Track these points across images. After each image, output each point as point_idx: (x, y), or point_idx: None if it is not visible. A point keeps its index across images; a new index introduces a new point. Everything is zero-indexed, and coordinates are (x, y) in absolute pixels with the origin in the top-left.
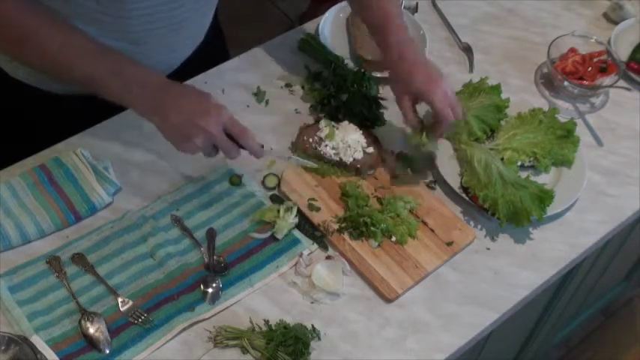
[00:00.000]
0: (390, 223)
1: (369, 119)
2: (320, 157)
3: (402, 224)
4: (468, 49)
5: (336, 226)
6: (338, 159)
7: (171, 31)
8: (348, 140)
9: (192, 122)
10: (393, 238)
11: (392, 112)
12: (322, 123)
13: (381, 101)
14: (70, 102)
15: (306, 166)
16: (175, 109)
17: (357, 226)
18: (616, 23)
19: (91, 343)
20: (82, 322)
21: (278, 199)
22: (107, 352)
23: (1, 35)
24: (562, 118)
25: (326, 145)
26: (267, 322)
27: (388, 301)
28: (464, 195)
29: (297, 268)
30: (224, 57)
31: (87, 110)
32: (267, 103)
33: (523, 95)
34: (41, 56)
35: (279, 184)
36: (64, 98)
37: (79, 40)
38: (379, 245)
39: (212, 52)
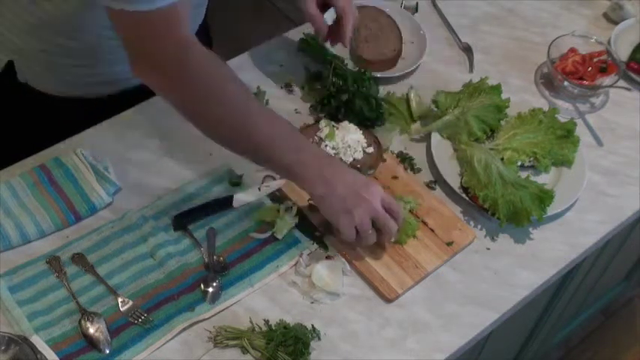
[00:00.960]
0: None
1: (369, 119)
2: None
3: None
4: (468, 49)
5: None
6: (338, 159)
7: None
8: (348, 140)
9: (356, 193)
10: (392, 239)
11: (392, 112)
12: (322, 123)
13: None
14: (70, 102)
15: None
16: (342, 181)
17: None
18: (616, 23)
19: (91, 343)
20: (82, 322)
21: (278, 199)
22: (107, 352)
23: (188, 90)
24: (562, 118)
25: (326, 145)
26: (267, 322)
27: (388, 301)
28: (464, 195)
29: (297, 268)
30: None
31: (87, 110)
32: (267, 103)
33: (523, 95)
34: (226, 113)
35: None
36: (63, 99)
37: (254, 97)
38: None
39: None
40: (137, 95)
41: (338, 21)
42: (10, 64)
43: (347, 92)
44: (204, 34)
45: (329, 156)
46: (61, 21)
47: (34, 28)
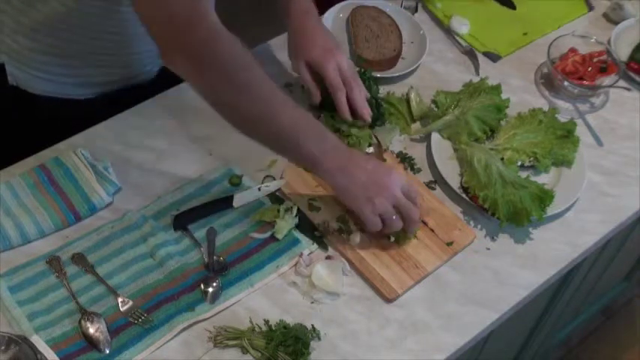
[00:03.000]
0: None
1: None
2: None
3: None
4: (470, 53)
5: (336, 226)
6: (358, 151)
7: None
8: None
9: (378, 182)
10: (392, 239)
11: (392, 112)
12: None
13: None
14: (70, 103)
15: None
16: (361, 168)
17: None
18: (616, 23)
19: (91, 343)
20: (82, 322)
21: (278, 199)
22: (107, 352)
23: (217, 76)
24: (562, 118)
25: None
26: (267, 322)
27: (388, 301)
28: (464, 195)
29: (297, 268)
30: None
31: (87, 111)
32: None
33: (523, 95)
34: (252, 99)
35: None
36: (54, 100)
37: (276, 87)
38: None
39: None
40: (129, 95)
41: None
42: (0, 68)
43: None
44: None
45: (350, 148)
46: (54, 21)
47: (27, 28)
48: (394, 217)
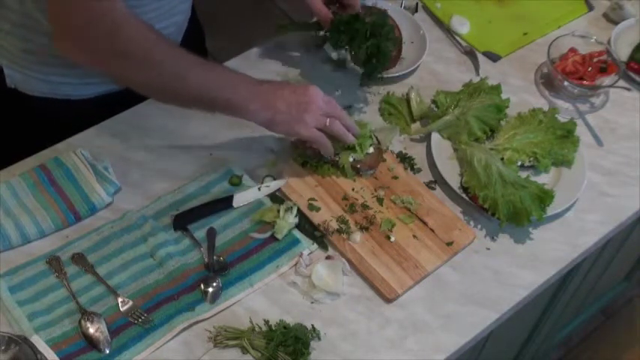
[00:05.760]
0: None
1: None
2: (320, 158)
3: (389, 211)
4: (470, 53)
5: (336, 226)
6: (338, 159)
7: (155, 17)
8: None
9: (298, 102)
10: (392, 239)
11: (392, 112)
12: None
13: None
14: (69, 104)
15: (306, 166)
16: (280, 97)
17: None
18: (616, 23)
19: (91, 343)
20: (82, 322)
21: (278, 199)
22: (107, 352)
23: (118, 63)
24: (562, 118)
25: None
26: (267, 322)
27: (388, 301)
28: (464, 195)
29: (297, 268)
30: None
31: (87, 111)
32: None
33: (523, 95)
34: (159, 75)
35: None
36: (62, 101)
37: (184, 52)
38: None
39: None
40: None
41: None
42: None
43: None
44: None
45: (260, 81)
46: (45, 20)
47: (18, 28)
48: (328, 122)
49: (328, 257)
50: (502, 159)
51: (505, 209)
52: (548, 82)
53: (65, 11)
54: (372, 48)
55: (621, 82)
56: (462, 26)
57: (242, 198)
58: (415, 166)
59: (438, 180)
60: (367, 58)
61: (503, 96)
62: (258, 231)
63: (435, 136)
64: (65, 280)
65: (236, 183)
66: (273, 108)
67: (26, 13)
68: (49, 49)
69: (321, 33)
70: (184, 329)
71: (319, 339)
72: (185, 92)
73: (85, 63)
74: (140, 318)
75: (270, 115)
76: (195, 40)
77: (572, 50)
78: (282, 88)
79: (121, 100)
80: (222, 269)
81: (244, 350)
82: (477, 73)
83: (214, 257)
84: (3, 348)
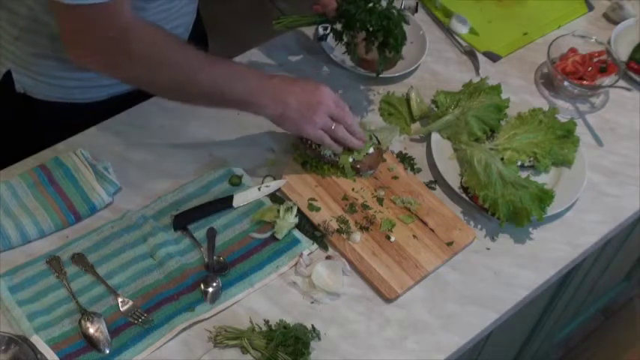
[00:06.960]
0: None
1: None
2: (320, 158)
3: (389, 211)
4: (471, 53)
5: (336, 226)
6: (338, 159)
7: (165, 18)
8: None
9: (309, 101)
10: (392, 239)
11: (392, 112)
12: None
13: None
14: (78, 107)
15: (306, 166)
16: (292, 94)
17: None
18: (616, 23)
19: (91, 343)
20: (82, 322)
21: (278, 199)
22: (107, 352)
23: (129, 68)
24: (562, 118)
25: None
26: (267, 322)
27: (388, 301)
28: (464, 195)
29: (297, 268)
30: None
31: (96, 114)
32: None
33: (523, 95)
34: (170, 77)
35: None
36: (71, 105)
37: (194, 50)
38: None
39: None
40: (134, 97)
41: None
42: (7, 75)
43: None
44: (199, 30)
45: (271, 75)
46: (51, 23)
47: (27, 33)
48: (333, 127)
49: (328, 257)
50: (502, 159)
51: (505, 209)
52: (548, 82)
53: (72, 20)
54: (384, 31)
55: (621, 82)
56: (462, 26)
57: (242, 198)
58: (415, 166)
59: (438, 180)
60: (382, 43)
61: (503, 96)
62: (258, 231)
63: (435, 136)
64: (65, 280)
65: (236, 183)
66: (284, 103)
67: (35, 18)
68: (59, 54)
69: (321, 31)
70: (184, 329)
71: (319, 339)
72: (197, 89)
73: (97, 69)
74: (140, 318)
75: (280, 110)
76: (199, 40)
77: (572, 50)
78: (294, 84)
79: (131, 100)
80: (222, 269)
81: (244, 350)
82: (477, 73)
83: (214, 257)
84: (3, 348)
